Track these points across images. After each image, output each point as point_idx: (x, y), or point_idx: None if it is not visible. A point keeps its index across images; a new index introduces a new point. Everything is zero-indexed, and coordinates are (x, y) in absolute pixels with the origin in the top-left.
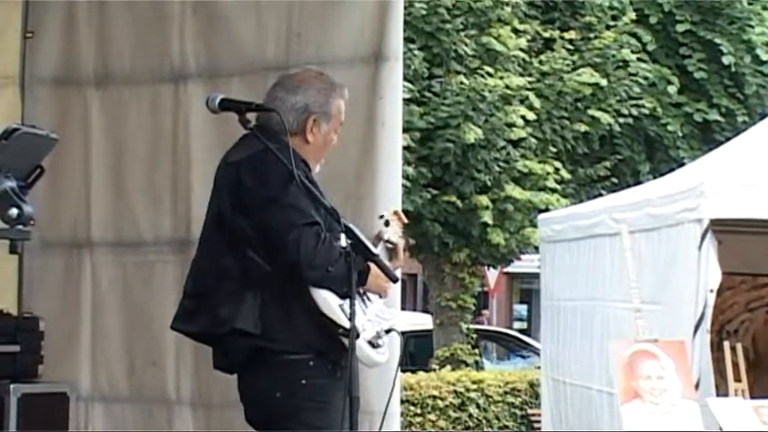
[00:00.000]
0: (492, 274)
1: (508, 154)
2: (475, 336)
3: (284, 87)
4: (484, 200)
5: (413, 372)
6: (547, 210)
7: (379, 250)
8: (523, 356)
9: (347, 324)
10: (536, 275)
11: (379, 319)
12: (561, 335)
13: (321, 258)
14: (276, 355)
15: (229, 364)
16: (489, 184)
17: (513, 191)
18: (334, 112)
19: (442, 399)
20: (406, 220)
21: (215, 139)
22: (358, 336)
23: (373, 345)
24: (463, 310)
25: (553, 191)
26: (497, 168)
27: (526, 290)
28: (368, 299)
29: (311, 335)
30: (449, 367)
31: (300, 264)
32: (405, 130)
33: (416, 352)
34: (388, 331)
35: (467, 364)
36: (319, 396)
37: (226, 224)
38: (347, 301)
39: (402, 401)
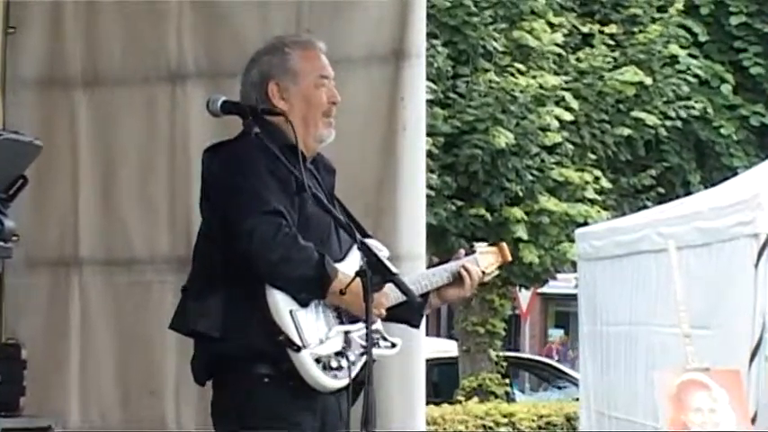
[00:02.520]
0: (524, 296)
1: (542, 161)
2: (505, 364)
3: (243, 74)
4: (515, 212)
5: (436, 404)
6: (585, 223)
7: (432, 271)
8: (559, 387)
9: (293, 334)
10: (573, 297)
11: (358, 340)
12: (603, 363)
13: (279, 252)
14: (232, 365)
15: (195, 373)
16: (521, 194)
17: (548, 202)
18: (297, 67)
19: None
20: (509, 258)
21: None
22: (299, 348)
23: (324, 365)
24: (492, 336)
25: (592, 202)
26: (530, 177)
27: (562, 313)
28: (344, 315)
29: (265, 341)
30: (476, 399)
31: (254, 256)
32: (427, 135)
33: (440, 382)
34: (339, 353)
35: (496, 396)
36: (278, 417)
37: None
38: (305, 309)
39: None
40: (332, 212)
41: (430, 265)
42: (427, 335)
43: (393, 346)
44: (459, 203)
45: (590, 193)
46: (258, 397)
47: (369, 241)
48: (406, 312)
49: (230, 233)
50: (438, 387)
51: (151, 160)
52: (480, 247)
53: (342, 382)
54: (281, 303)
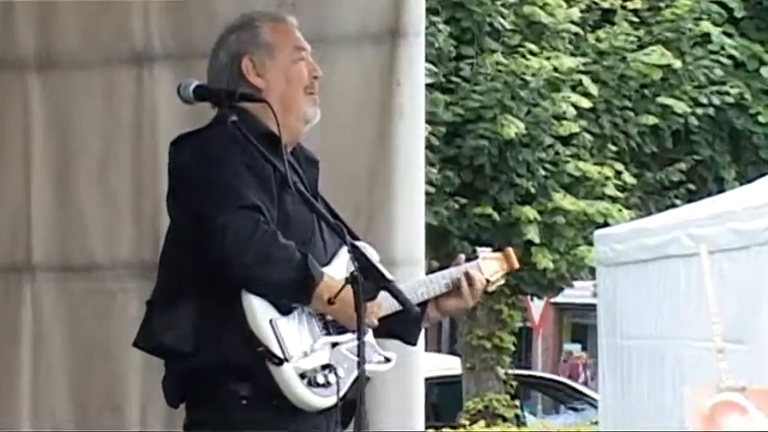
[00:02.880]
0: (536, 306)
1: (557, 154)
2: (515, 383)
3: (209, 60)
4: (526, 211)
5: (437, 428)
6: (606, 224)
7: (429, 278)
8: (576, 409)
9: (273, 345)
10: (592, 307)
11: (347, 354)
12: (625, 381)
13: (256, 252)
14: (207, 381)
15: (167, 393)
16: (533, 191)
17: (564, 200)
18: (270, 40)
19: None
20: (516, 265)
21: None
22: (281, 361)
23: (310, 381)
24: (500, 351)
25: (614, 200)
26: (543, 172)
27: (579, 325)
28: (331, 325)
29: (243, 354)
30: (482, 423)
31: (228, 255)
32: (427, 124)
33: (441, 403)
34: (326, 367)
35: (505, 419)
36: None
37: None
38: (287, 317)
39: None
40: (318, 211)
41: (429, 271)
42: (427, 350)
43: (387, 360)
44: (463, 201)
45: (611, 190)
46: (237, 418)
47: (359, 244)
48: (400, 326)
49: (202, 231)
50: (439, 409)
51: (113, 152)
52: (484, 252)
53: (330, 400)
54: (259, 311)
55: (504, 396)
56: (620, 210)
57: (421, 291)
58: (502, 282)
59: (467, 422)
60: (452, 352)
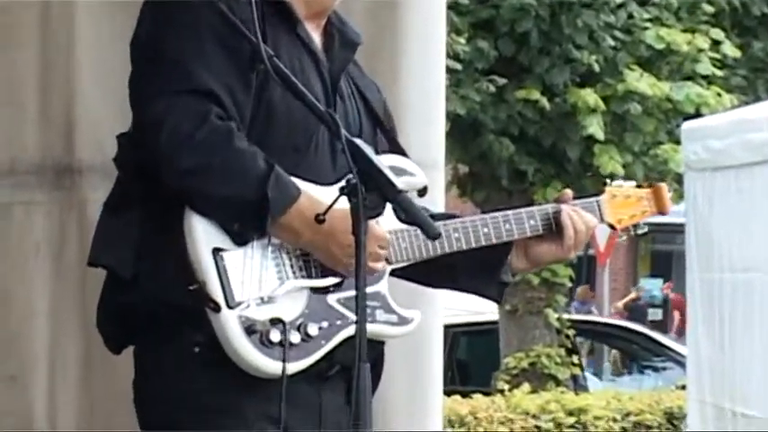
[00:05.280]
0: (602, 228)
1: (630, 17)
2: (572, 333)
3: None
4: (587, 96)
5: (464, 395)
6: (698, 114)
7: (506, 215)
8: (656, 368)
9: (213, 284)
10: (678, 228)
11: (336, 306)
12: (725, 331)
13: (198, 156)
14: (150, 323)
15: (102, 329)
16: (597, 69)
17: (639, 81)
18: None
19: None
20: (668, 208)
21: None
22: (218, 307)
23: (261, 337)
24: (552, 289)
25: (709, 81)
26: (611, 42)
27: (662, 254)
28: (316, 268)
29: (183, 291)
30: (526, 387)
31: (162, 158)
32: None
33: (471, 360)
34: (280, 322)
35: (558, 383)
36: (214, 404)
37: None
38: (243, 248)
39: None
40: (305, 97)
41: (454, 179)
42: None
43: (402, 321)
44: (501, 82)
45: (705, 67)
46: (187, 375)
47: (359, 143)
48: (471, 277)
49: (136, 120)
50: (467, 368)
51: (13, 25)
52: (619, 188)
53: (294, 365)
54: (201, 236)
55: (556, 350)
56: (717, 94)
57: (485, 230)
58: (641, 231)
59: (506, 386)
60: None
